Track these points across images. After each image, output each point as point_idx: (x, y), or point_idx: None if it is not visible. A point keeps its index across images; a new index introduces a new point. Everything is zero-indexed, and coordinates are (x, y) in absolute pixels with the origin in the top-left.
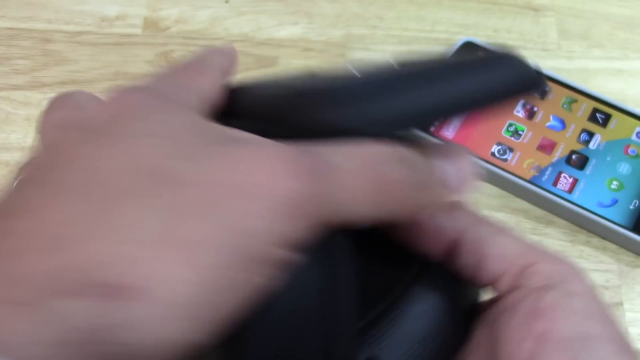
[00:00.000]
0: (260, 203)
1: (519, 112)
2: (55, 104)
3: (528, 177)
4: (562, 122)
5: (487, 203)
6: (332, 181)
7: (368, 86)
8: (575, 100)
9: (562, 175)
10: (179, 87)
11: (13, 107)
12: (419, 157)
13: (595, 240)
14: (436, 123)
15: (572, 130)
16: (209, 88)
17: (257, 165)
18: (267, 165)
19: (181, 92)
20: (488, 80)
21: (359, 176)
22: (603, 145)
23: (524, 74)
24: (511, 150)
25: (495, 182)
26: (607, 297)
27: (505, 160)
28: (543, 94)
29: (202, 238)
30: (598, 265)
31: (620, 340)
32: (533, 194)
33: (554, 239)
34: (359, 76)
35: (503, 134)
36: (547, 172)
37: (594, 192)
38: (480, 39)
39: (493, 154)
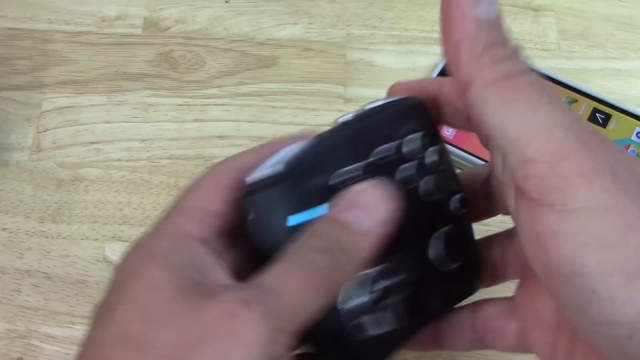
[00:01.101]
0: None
1: None
2: None
3: None
4: None
5: None
6: (279, 303)
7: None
8: (575, 101)
9: None
10: (169, 233)
11: (13, 107)
12: (329, 230)
13: None
14: None
15: None
16: (205, 202)
17: (218, 318)
18: (220, 314)
19: (171, 242)
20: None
21: (295, 286)
22: None
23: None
24: None
25: None
26: None
27: None
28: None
29: None
30: None
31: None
32: None
33: None
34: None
35: None
36: None
37: None
38: None
39: None
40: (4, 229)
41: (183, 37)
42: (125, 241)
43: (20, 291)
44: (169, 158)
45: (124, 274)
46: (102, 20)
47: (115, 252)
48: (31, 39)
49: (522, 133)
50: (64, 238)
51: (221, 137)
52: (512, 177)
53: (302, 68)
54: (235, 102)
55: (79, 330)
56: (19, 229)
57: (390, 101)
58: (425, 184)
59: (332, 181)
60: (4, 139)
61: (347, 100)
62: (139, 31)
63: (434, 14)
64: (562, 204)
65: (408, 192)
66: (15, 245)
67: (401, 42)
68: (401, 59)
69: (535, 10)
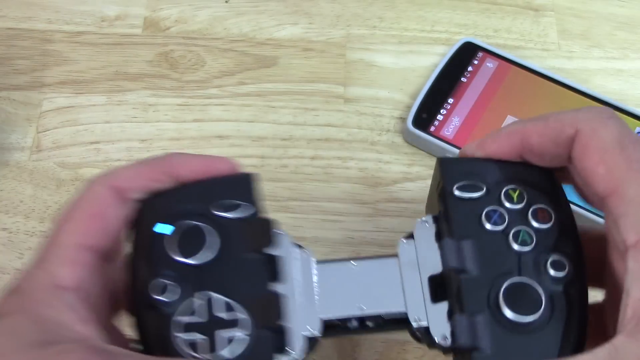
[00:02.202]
0: None
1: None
2: None
3: None
4: None
5: None
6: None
7: None
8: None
9: None
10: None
11: (13, 107)
12: None
13: None
14: (436, 123)
15: None
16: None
17: None
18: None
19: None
20: None
21: None
22: None
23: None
24: None
25: None
26: None
27: None
28: None
29: None
30: None
31: None
32: None
33: None
34: None
35: None
36: None
37: None
38: (480, 39)
39: None
40: (4, 229)
41: (183, 37)
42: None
43: None
44: None
45: None
46: (102, 20)
47: None
48: (31, 39)
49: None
50: None
51: (221, 137)
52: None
53: (302, 68)
54: (235, 102)
55: None
56: (19, 229)
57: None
58: (513, 231)
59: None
60: (4, 139)
61: (347, 100)
62: (139, 31)
63: (434, 14)
64: None
65: (493, 233)
66: (15, 245)
67: (401, 42)
68: (401, 59)
69: (535, 10)
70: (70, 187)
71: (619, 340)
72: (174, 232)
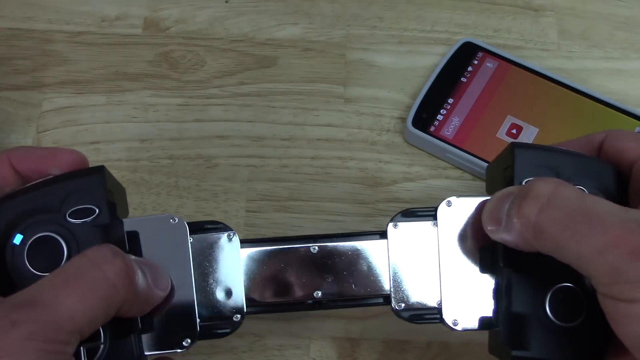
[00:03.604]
0: None
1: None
2: None
3: None
4: None
5: None
6: (47, 314)
7: None
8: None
9: None
10: None
11: (13, 107)
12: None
13: None
14: (436, 123)
15: None
16: None
17: None
18: None
19: None
20: None
21: (73, 296)
22: None
23: None
24: None
25: None
26: None
27: None
28: None
29: None
30: None
31: None
32: None
33: None
34: None
35: (498, 136)
36: None
37: None
38: (480, 39)
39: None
40: None
41: (183, 37)
42: None
43: None
44: (169, 158)
45: None
46: (102, 20)
47: None
48: (31, 39)
49: (581, 263)
50: None
51: (221, 137)
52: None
53: (302, 68)
54: (235, 102)
55: None
56: None
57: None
58: None
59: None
60: (4, 139)
61: (347, 100)
62: (139, 31)
63: (434, 14)
64: (630, 298)
65: None
66: None
67: (401, 42)
68: (401, 59)
69: (535, 10)
70: None
71: None
72: (24, 242)
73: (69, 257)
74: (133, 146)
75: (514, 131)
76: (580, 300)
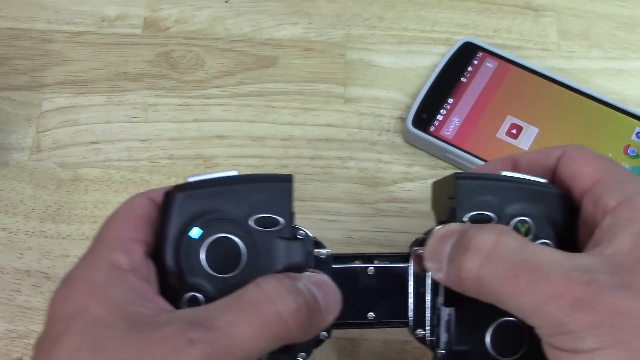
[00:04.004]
0: None
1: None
2: None
3: None
4: None
5: None
6: (226, 344)
7: None
8: None
9: None
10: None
11: (13, 107)
12: (306, 293)
13: None
14: (436, 123)
15: None
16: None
17: (165, 353)
18: (167, 349)
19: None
20: None
21: (247, 329)
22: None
23: None
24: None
25: None
26: None
27: None
28: None
29: None
30: None
31: None
32: None
33: None
34: None
35: (498, 136)
36: None
37: None
38: (480, 39)
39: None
40: (4, 229)
41: (183, 37)
42: None
43: (20, 291)
44: (169, 158)
45: (64, 311)
46: (102, 20)
47: None
48: (31, 39)
49: (524, 314)
50: (64, 238)
51: (221, 137)
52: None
53: (302, 68)
54: (235, 102)
55: None
56: (19, 229)
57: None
58: None
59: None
60: (4, 139)
61: (347, 100)
62: (138, 31)
63: (434, 14)
64: (574, 348)
65: None
66: (15, 245)
67: (401, 42)
68: (401, 59)
69: (535, 10)
70: (70, 187)
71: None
72: (204, 237)
73: (246, 264)
74: (133, 146)
75: (514, 131)
76: (522, 333)
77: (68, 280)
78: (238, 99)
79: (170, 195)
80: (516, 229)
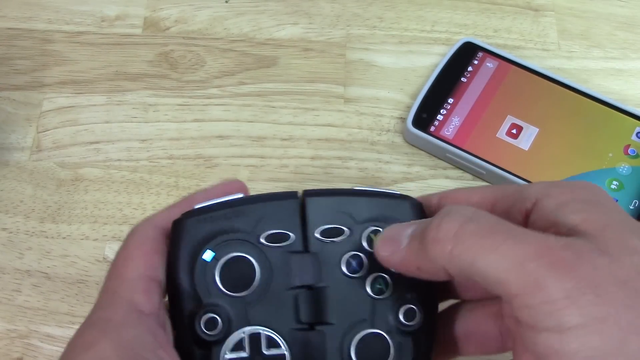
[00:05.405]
0: None
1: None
2: None
3: None
4: None
5: None
6: None
7: None
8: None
9: None
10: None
11: (13, 107)
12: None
13: None
14: (436, 123)
15: None
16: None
17: None
18: None
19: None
20: None
21: None
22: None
23: None
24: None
25: (496, 181)
26: None
27: None
28: None
29: None
30: None
31: None
32: None
33: None
34: None
35: (498, 136)
36: None
37: None
38: (480, 39)
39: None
40: (4, 229)
41: (183, 37)
42: None
43: (20, 291)
44: (169, 158)
45: (78, 346)
46: (102, 20)
47: (115, 252)
48: (31, 39)
49: (500, 275)
50: (64, 238)
51: (221, 137)
52: (509, 310)
53: (302, 68)
54: (235, 102)
55: None
56: (19, 229)
57: (383, 191)
58: (371, 279)
59: (263, 240)
60: (4, 139)
61: (347, 100)
62: (139, 31)
63: (434, 14)
64: (557, 325)
65: (350, 280)
66: (15, 245)
67: (401, 42)
68: (401, 59)
69: (535, 10)
70: (70, 187)
71: None
72: (216, 259)
73: (260, 281)
74: (133, 146)
75: (514, 131)
76: (385, 345)
77: (88, 318)
78: (238, 99)
79: (180, 223)
80: (369, 239)
